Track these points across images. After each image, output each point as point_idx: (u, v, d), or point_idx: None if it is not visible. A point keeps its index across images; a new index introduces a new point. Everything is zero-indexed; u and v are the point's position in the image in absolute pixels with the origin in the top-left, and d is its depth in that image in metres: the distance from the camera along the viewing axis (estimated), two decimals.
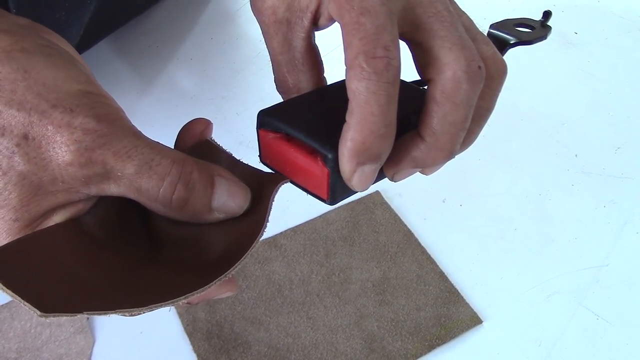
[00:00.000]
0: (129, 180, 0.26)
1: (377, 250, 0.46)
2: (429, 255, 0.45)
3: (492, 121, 0.31)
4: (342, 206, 0.48)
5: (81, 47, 0.55)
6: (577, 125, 0.55)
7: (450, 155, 0.28)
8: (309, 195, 0.29)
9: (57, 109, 0.25)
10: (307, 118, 0.28)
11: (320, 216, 0.47)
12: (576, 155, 0.53)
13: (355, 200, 0.48)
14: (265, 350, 0.40)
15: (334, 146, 0.26)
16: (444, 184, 0.49)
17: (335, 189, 0.27)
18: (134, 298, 0.24)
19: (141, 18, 0.62)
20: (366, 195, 0.48)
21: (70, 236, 0.26)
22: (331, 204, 0.28)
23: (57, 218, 0.26)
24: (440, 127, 0.27)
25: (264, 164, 0.30)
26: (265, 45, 0.31)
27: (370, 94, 0.25)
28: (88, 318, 0.41)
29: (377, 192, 0.49)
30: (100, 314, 0.23)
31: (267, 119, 0.29)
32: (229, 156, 0.31)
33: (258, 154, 0.30)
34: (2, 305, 0.42)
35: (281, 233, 0.46)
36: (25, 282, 0.23)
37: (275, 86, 0.32)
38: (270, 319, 0.42)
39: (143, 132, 0.29)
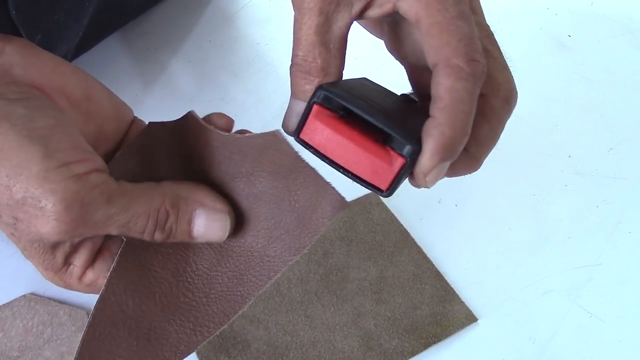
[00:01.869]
0: (111, 232, 0.29)
1: (374, 249, 0.46)
2: (425, 255, 0.46)
3: None
4: None
5: (80, 49, 0.55)
6: (571, 126, 0.56)
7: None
8: (356, 183, 0.28)
9: (27, 200, 0.27)
10: (373, 105, 0.27)
11: None
12: (570, 156, 0.53)
13: (352, 200, 0.49)
14: (264, 348, 0.41)
15: (414, 138, 0.26)
16: (439, 184, 0.49)
17: (399, 182, 0.27)
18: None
19: (140, 20, 0.63)
20: (362, 196, 0.49)
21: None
22: (387, 195, 0.28)
23: (77, 258, 0.30)
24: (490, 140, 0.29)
25: (300, 141, 0.28)
26: (296, 22, 0.29)
27: (466, 94, 0.26)
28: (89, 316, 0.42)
29: (374, 192, 0.50)
30: None
31: (333, 95, 0.27)
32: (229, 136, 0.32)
33: (295, 129, 0.28)
34: (4, 304, 0.42)
35: None
36: None
37: (291, 65, 0.30)
38: (269, 318, 0.42)
39: None
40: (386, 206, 0.49)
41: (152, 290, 0.31)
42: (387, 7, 0.29)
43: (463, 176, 0.31)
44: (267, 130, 0.31)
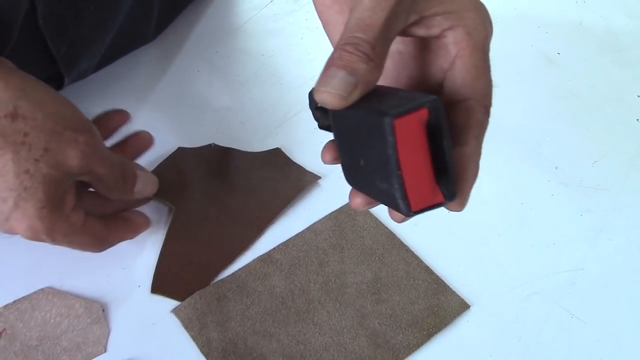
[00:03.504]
0: (97, 176, 0.39)
1: (365, 253, 0.48)
2: (413, 253, 0.48)
3: None
4: (326, 216, 0.50)
5: (99, 66, 0.58)
6: (558, 139, 0.58)
7: None
8: (382, 192, 0.29)
9: (67, 129, 0.37)
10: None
11: (307, 228, 0.49)
12: (556, 168, 0.56)
13: (337, 210, 0.51)
14: None
15: (454, 185, 0.29)
16: None
17: (425, 211, 0.29)
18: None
19: None
20: (345, 205, 0.51)
21: None
22: (409, 215, 0.29)
23: (69, 198, 0.38)
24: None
25: (390, 122, 0.27)
26: (365, 9, 0.29)
27: (485, 129, 0.33)
28: (104, 310, 0.44)
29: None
30: None
31: (440, 112, 0.27)
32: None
33: (394, 115, 0.27)
34: (24, 297, 0.44)
35: (274, 248, 0.48)
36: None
37: (343, 43, 0.30)
38: (279, 330, 0.44)
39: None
40: (370, 212, 0.50)
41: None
42: (433, 31, 0.32)
43: None
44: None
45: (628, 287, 0.48)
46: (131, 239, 0.45)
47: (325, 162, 0.35)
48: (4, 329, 0.43)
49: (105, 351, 0.42)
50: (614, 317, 0.46)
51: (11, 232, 0.38)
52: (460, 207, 0.31)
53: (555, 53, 0.67)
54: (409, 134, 0.27)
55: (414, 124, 0.27)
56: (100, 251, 0.43)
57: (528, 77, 0.64)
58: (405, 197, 0.28)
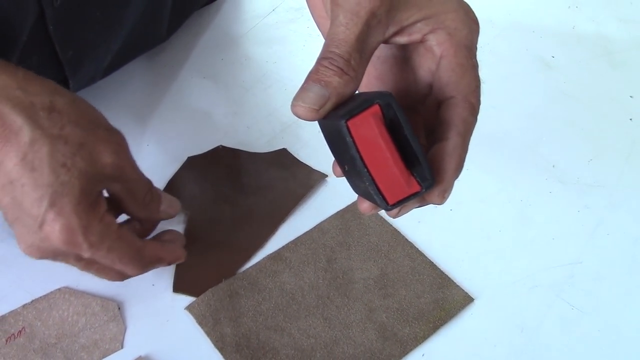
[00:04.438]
0: (128, 184, 0.38)
1: (371, 250, 0.50)
2: (417, 249, 0.49)
3: (479, 135, 0.35)
4: (333, 215, 0.52)
5: (107, 72, 0.59)
6: (554, 139, 0.60)
7: None
8: (359, 189, 0.30)
9: (101, 127, 0.37)
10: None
11: (315, 227, 0.51)
12: (553, 166, 0.57)
13: (343, 209, 0.52)
14: (292, 353, 0.43)
15: (429, 173, 0.29)
16: None
17: (402, 202, 0.29)
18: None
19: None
20: (351, 204, 0.52)
21: None
22: (387, 210, 0.30)
23: (101, 201, 0.37)
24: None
25: (345, 126, 0.28)
26: (339, 24, 0.31)
27: (472, 127, 0.33)
28: (119, 308, 0.46)
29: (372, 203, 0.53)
30: None
31: (394, 106, 0.28)
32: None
33: (347, 117, 0.29)
34: (41, 296, 0.45)
35: (283, 247, 0.49)
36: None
37: (321, 58, 0.31)
38: (290, 325, 0.45)
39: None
40: None
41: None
42: (415, 37, 0.33)
43: (458, 184, 0.35)
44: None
45: (625, 279, 0.49)
46: (168, 265, 0.43)
47: (336, 176, 0.36)
48: (23, 328, 0.44)
49: (122, 347, 0.44)
50: (612, 307, 0.48)
51: (44, 243, 0.35)
52: (441, 199, 0.31)
53: (550, 56, 0.69)
54: (365, 132, 0.28)
55: (368, 121, 0.28)
56: (137, 271, 0.40)
57: (524, 80, 0.66)
58: (379, 192, 0.29)
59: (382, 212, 0.52)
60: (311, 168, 0.55)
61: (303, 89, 0.31)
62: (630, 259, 0.51)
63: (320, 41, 0.34)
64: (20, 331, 0.44)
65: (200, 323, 0.45)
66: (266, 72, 0.65)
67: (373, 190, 0.29)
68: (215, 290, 0.47)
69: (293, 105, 0.31)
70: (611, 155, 0.59)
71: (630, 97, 0.65)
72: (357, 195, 0.35)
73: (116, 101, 0.60)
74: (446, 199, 0.32)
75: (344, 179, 0.35)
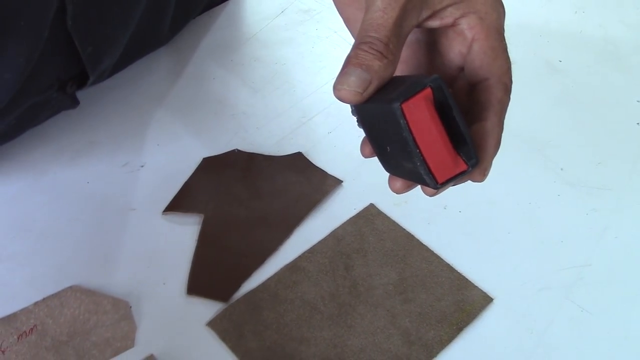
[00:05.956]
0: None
1: (387, 255, 0.49)
2: (433, 252, 0.49)
3: None
4: (346, 222, 0.51)
5: (115, 69, 0.59)
6: (563, 142, 0.60)
7: None
8: (409, 170, 0.30)
9: None
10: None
11: (329, 234, 0.51)
12: (562, 169, 0.58)
13: (355, 215, 0.52)
14: None
15: (474, 152, 0.30)
16: (445, 192, 0.54)
17: (450, 181, 0.30)
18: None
19: (169, 42, 0.67)
20: (363, 209, 0.52)
21: None
22: (437, 188, 0.30)
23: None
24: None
25: (398, 109, 0.29)
26: (376, 10, 0.31)
27: (507, 106, 0.33)
28: (131, 307, 0.46)
29: (372, 205, 0.53)
30: None
31: (444, 89, 0.29)
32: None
33: (401, 100, 0.29)
34: (53, 295, 0.46)
35: (300, 256, 0.49)
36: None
37: (359, 43, 0.32)
38: (315, 335, 0.45)
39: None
40: (386, 215, 0.52)
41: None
42: (447, 21, 0.34)
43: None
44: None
45: (633, 281, 0.50)
46: None
47: (364, 157, 0.37)
48: (35, 325, 0.44)
49: (133, 345, 0.44)
50: (621, 309, 0.48)
51: None
52: (482, 176, 0.33)
53: (558, 60, 0.69)
54: (418, 114, 0.29)
55: (421, 104, 0.29)
56: None
57: (532, 84, 0.66)
58: (429, 172, 0.30)
59: (393, 215, 0.52)
60: (326, 173, 0.55)
61: (344, 73, 0.31)
62: (638, 261, 0.51)
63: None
64: (31, 329, 0.44)
65: (223, 339, 0.44)
66: (275, 74, 0.65)
67: (423, 170, 0.30)
68: (235, 305, 0.46)
69: (337, 89, 0.31)
70: (619, 158, 0.59)
71: (638, 101, 0.65)
72: (390, 178, 0.35)
73: (126, 100, 0.61)
74: (486, 176, 0.33)
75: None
